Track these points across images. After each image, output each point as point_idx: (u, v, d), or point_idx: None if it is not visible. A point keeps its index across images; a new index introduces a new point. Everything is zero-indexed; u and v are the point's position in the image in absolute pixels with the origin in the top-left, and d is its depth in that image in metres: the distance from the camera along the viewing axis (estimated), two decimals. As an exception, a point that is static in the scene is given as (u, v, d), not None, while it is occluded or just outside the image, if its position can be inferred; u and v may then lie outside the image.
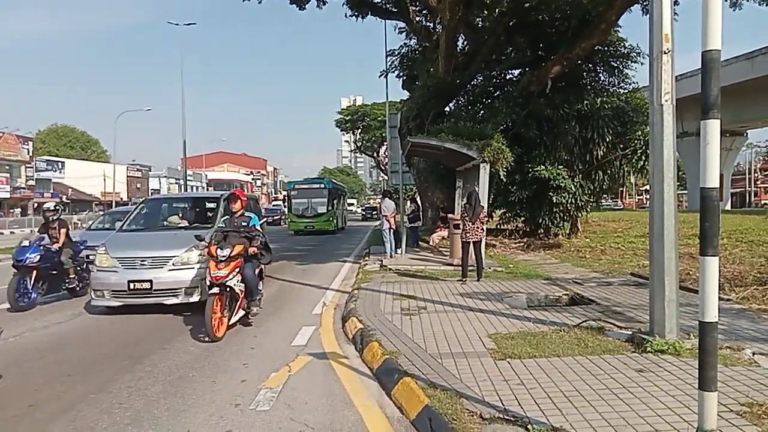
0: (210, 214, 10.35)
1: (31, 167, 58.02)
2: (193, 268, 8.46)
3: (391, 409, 4.50)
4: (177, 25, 38.43)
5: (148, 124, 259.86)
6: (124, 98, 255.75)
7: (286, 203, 36.57)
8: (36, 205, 53.79)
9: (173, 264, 8.44)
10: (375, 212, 60.63)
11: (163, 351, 6.45)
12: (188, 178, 56.38)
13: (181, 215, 10.68)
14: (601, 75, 18.74)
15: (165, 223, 10.39)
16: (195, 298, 8.37)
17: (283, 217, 45.57)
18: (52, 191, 60.44)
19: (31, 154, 58.24)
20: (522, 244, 17.36)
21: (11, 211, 49.35)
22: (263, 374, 5.47)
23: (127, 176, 72.14)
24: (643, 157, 16.15)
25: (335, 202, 32.75)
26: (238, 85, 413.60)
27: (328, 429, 4.14)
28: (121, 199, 64.15)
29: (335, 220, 32.02)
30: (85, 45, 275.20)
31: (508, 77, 20.39)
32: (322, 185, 32.81)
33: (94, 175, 63.18)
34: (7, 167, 53.87)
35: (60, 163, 65.17)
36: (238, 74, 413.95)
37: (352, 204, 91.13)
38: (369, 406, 4.56)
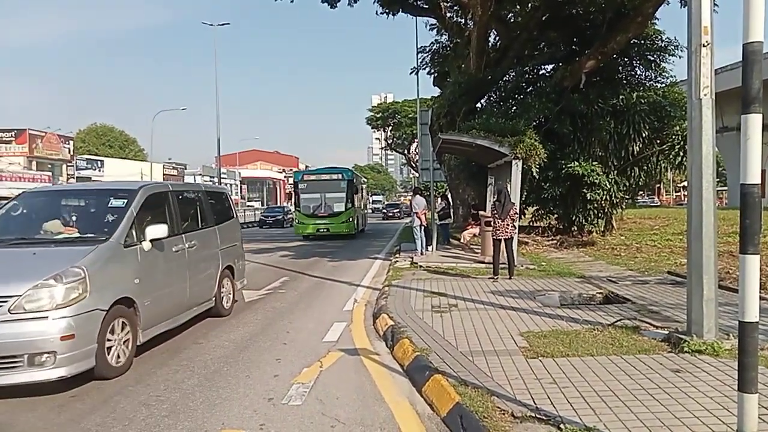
0: (113, 218, 6.23)
1: (72, 166, 59.78)
2: (48, 317, 4.85)
3: (422, 405, 4.51)
4: (211, 25, 39.04)
5: (183, 123, 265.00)
6: (160, 98, 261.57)
7: (292, 199, 29.66)
8: (77, 202, 55.27)
9: (11, 310, 4.82)
10: (397, 210, 56.42)
11: (198, 346, 6.59)
12: (222, 175, 57.35)
13: (68, 219, 6.59)
14: (637, 69, 18.30)
15: (42, 231, 6.35)
16: (57, 371, 4.81)
17: (287, 216, 39.44)
18: (91, 189, 62.18)
19: (72, 153, 60.01)
20: (555, 241, 17.14)
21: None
22: (295, 369, 5.55)
23: (164, 174, 73.60)
24: (681, 153, 15.74)
25: (355, 197, 25.98)
26: (271, 84, 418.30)
27: (359, 424, 4.17)
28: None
29: (355, 221, 25.66)
30: (123, 45, 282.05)
31: (540, 73, 20.12)
32: (340, 176, 25.66)
33: (131, 173, 64.62)
34: (50, 166, 55.64)
35: (99, 162, 66.84)
36: (271, 74, 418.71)
37: (379, 201, 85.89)
38: (400, 403, 4.58)
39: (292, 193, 27.50)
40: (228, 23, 38.96)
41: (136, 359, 5.99)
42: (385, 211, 58.66)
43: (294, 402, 4.64)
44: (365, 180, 38.57)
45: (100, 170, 65.43)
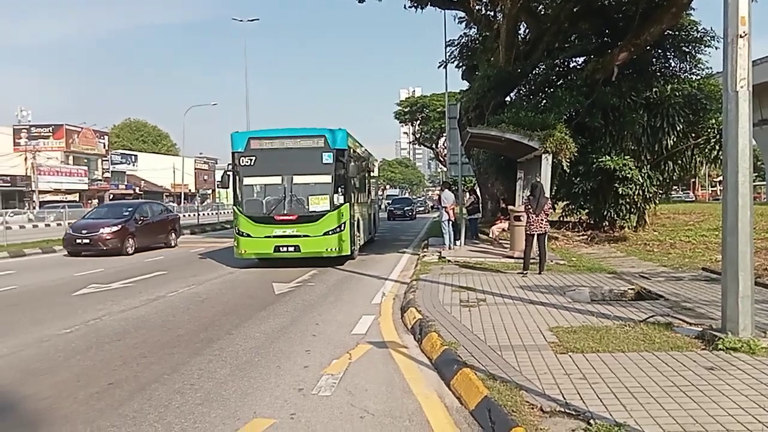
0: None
1: (107, 160, 61.28)
2: None
3: (450, 399, 4.53)
4: (241, 21, 39.38)
5: (214, 118, 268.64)
6: (192, 93, 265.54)
7: (228, 186, 13.77)
8: (111, 196, 56.85)
9: None
10: (410, 207, 41.29)
11: (231, 336, 6.73)
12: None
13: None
14: (671, 61, 17.89)
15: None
16: None
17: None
18: (126, 183, 63.75)
19: (106, 147, 61.49)
20: (585, 236, 16.91)
21: (89, 201, 52.24)
22: (325, 361, 5.62)
23: (195, 168, 75.01)
24: (717, 147, 15.37)
25: (351, 183, 13.74)
26: (299, 79, 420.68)
27: (388, 416, 4.22)
28: (189, 190, 66.77)
29: (350, 229, 13.36)
30: (156, 42, 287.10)
31: (571, 65, 19.79)
32: (320, 141, 13.07)
33: (164, 167, 66.00)
34: (86, 160, 57.13)
35: (133, 156, 68.38)
36: (298, 68, 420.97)
37: (395, 196, 62.18)
38: (428, 395, 4.62)
39: (228, 175, 13.43)
40: (257, 19, 39.09)
41: (170, 349, 6.16)
42: (394, 208, 40.43)
43: (324, 393, 4.71)
44: (372, 156, 20.67)
45: (133, 164, 66.94)
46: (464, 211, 16.70)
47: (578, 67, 19.20)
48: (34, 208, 43.94)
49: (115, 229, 16.90)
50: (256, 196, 13.24)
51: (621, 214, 16.93)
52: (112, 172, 62.01)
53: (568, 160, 12.92)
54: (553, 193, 14.85)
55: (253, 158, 12.94)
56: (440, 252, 13.95)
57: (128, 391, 4.85)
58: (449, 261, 12.50)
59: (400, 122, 67.93)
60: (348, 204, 13.16)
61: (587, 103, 16.07)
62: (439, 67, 25.38)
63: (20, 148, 51.26)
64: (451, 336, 5.90)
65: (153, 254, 16.98)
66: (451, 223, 14.93)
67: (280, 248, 12.67)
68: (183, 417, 4.24)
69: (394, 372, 5.27)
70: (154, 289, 10.21)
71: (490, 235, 16.04)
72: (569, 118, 15.95)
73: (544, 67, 19.71)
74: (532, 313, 6.92)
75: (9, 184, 47.29)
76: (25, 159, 50.21)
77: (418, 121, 62.11)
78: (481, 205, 20.46)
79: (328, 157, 12.82)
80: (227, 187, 13.48)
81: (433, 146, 65.30)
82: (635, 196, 16.30)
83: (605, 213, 17.10)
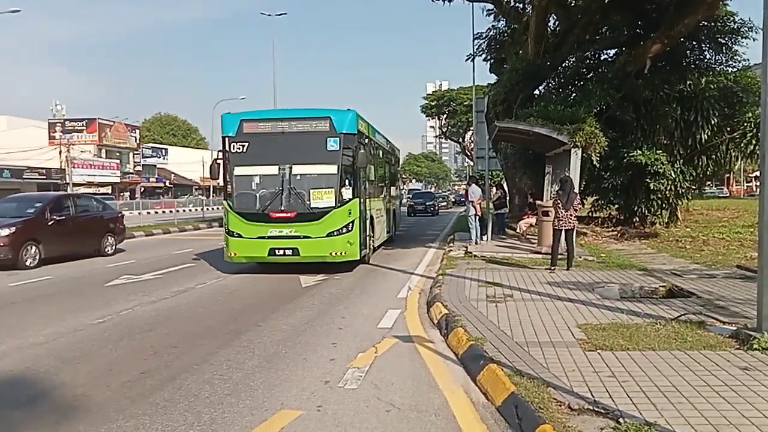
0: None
1: (138, 154, 62.36)
2: None
3: (476, 394, 4.51)
4: (269, 15, 39.72)
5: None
6: (221, 87, 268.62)
7: (219, 178, 11.80)
8: (143, 189, 57.92)
9: None
10: (432, 203, 37.67)
11: (258, 328, 6.81)
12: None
13: None
14: (706, 53, 17.40)
15: None
16: None
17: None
18: (156, 176, 64.90)
19: (138, 141, 62.58)
20: (615, 232, 16.66)
21: (121, 194, 53.37)
22: (351, 354, 5.66)
23: (223, 162, 75.73)
24: (753, 141, 14.95)
25: (362, 175, 12.11)
26: (325, 73, 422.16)
27: (414, 410, 4.22)
28: (218, 183, 67.39)
29: (361, 229, 11.65)
30: (185, 37, 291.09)
31: (602, 58, 19.41)
32: (324, 124, 11.12)
33: (193, 161, 66.96)
34: (118, 154, 58.27)
35: (164, 150, 69.46)
36: (325, 62, 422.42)
37: (417, 190, 58.80)
38: (454, 390, 4.61)
39: (218, 164, 11.72)
40: (285, 13, 39.49)
41: (200, 340, 6.27)
42: (414, 203, 36.97)
43: (350, 386, 4.74)
44: (393, 145, 18.79)
45: (164, 158, 68.04)
46: (491, 205, 16.57)
47: (609, 59, 18.85)
48: (68, 200, 44.98)
49: (5, 232, 11.99)
50: (249, 189, 11.35)
51: (652, 209, 16.63)
52: (143, 165, 63.12)
53: (597, 155, 12.71)
54: (582, 188, 14.64)
55: (246, 144, 11.10)
56: (467, 247, 13.88)
57: (159, 381, 4.95)
58: (476, 256, 12.44)
59: (426, 116, 67.65)
60: (358, 199, 11.30)
61: (618, 97, 15.76)
62: (466, 60, 25.12)
63: (55, 141, 52.50)
64: (478, 331, 5.87)
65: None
66: (477, 217, 14.84)
67: (276, 251, 10.81)
68: (212, 407, 4.31)
69: (420, 366, 5.27)
70: (184, 281, 10.39)
71: (517, 230, 15.90)
72: (599, 111, 15.67)
73: (574, 59, 19.39)
74: (559, 310, 6.84)
75: (44, 177, 48.49)
76: (60, 152, 51.42)
77: (445, 115, 61.73)
78: (508, 199, 20.29)
79: (333, 143, 10.90)
80: (217, 178, 11.68)
81: (460, 140, 64.87)
82: (667, 192, 15.98)
83: (636, 208, 16.84)
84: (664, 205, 16.69)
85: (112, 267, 12.50)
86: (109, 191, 52.02)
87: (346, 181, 11.09)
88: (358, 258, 11.38)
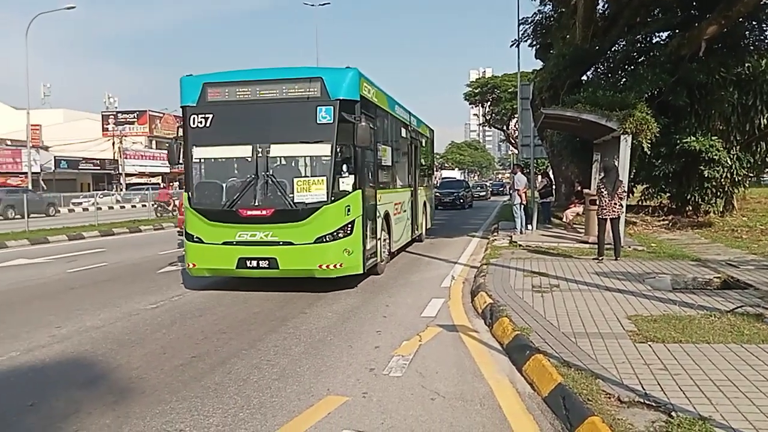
0: None
1: (187, 144, 63.99)
2: None
3: (522, 384, 4.47)
4: (312, 6, 39.88)
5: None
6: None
7: (175, 157, 8.94)
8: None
9: None
10: (464, 192, 31.27)
11: (304, 315, 6.92)
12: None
13: None
14: (767, 33, 16.58)
15: None
16: None
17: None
18: (203, 167, 66.38)
19: (186, 132, 64.19)
20: (666, 222, 16.13)
21: (171, 184, 54.94)
22: (395, 342, 5.69)
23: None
24: (818, 126, 14.18)
25: (363, 159, 8.59)
26: (368, 60, 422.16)
27: (459, 399, 4.22)
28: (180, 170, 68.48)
29: (360, 234, 8.33)
30: (228, 29, 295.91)
31: (654, 41, 18.70)
32: (311, 85, 8.10)
33: (238, 151, 68.13)
34: (167, 144, 60.03)
35: (210, 141, 70.94)
36: (367, 50, 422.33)
37: (451, 179, 46.20)
38: (499, 380, 4.58)
39: (179, 144, 8.83)
40: (328, 3, 39.48)
41: (248, 326, 6.42)
42: (441, 194, 28.78)
43: (395, 373, 4.77)
44: (420, 122, 15.07)
45: (211, 148, 69.42)
46: (536, 194, 16.30)
47: (661, 42, 18.15)
48: (121, 189, 46.69)
49: None
50: (212, 178, 8.81)
51: (706, 198, 16.06)
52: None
53: (648, 141, 12.28)
54: (632, 176, 14.23)
55: (210, 117, 8.36)
56: (511, 236, 13.70)
57: (209, 364, 5.10)
58: (520, 245, 12.27)
59: (470, 104, 66.76)
60: (360, 191, 8.35)
61: (671, 81, 15.19)
62: (511, 46, 24.76)
63: (108, 133, 54.43)
64: (523, 321, 5.81)
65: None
66: (522, 206, 14.62)
67: (247, 262, 8.02)
68: (260, 391, 4.42)
69: (465, 355, 5.26)
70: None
71: (564, 220, 15.59)
72: (651, 96, 15.16)
73: (624, 43, 18.78)
74: (608, 300, 6.69)
75: (98, 168, 50.41)
76: (113, 143, 53.29)
77: (489, 102, 60.81)
78: (554, 188, 19.91)
79: (326, 114, 7.97)
80: (177, 163, 8.95)
81: (504, 128, 63.80)
82: (722, 179, 15.40)
83: (689, 197, 16.29)
84: (719, 194, 16.09)
85: (164, 254, 12.90)
86: (160, 181, 53.63)
87: (344, 167, 8.19)
88: (362, 271, 8.51)
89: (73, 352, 5.58)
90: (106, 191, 43.05)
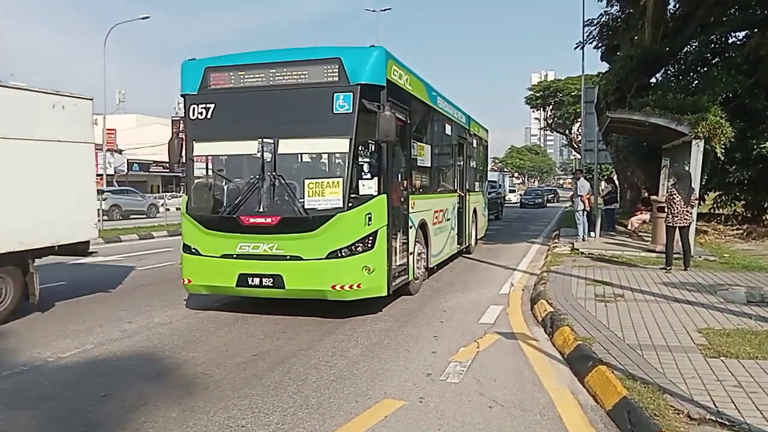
0: None
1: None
2: None
3: (584, 396, 4.34)
4: (374, 11, 40.28)
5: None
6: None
7: (176, 156, 7.65)
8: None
9: None
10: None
11: (362, 318, 6.97)
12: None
13: None
14: None
15: None
16: None
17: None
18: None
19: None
20: (741, 231, 15.30)
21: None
22: (452, 348, 5.64)
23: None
24: None
25: (389, 158, 7.03)
26: (429, 64, 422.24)
27: (518, 408, 4.14)
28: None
29: (384, 248, 6.87)
30: (290, 35, 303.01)
31: (730, 41, 17.80)
32: (327, 67, 6.76)
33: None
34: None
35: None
36: (429, 54, 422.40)
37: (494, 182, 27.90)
38: (560, 390, 4.46)
39: (179, 140, 7.57)
40: (390, 8, 39.63)
41: (306, 327, 6.52)
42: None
43: (452, 379, 4.73)
44: (471, 119, 13.48)
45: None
46: (600, 200, 15.81)
47: (738, 42, 17.27)
48: (188, 192, 48.46)
49: None
50: (211, 180, 7.67)
51: (785, 206, 15.12)
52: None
53: (722, 147, 11.68)
54: (703, 183, 13.59)
55: (211, 107, 7.23)
56: (573, 243, 13.34)
57: (270, 363, 5.22)
58: (582, 253, 11.93)
59: (531, 107, 65.58)
60: (386, 196, 6.93)
61: (748, 83, 14.44)
62: (575, 48, 23.93)
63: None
64: (585, 331, 5.64)
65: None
66: (585, 213, 14.21)
67: (248, 279, 6.83)
68: (319, 392, 4.48)
69: (524, 364, 5.15)
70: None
71: (629, 227, 15.04)
72: (725, 100, 14.44)
73: (696, 44, 17.97)
74: (676, 312, 6.40)
75: (168, 171, 52.60)
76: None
77: (551, 106, 59.49)
78: (619, 194, 19.26)
79: (345, 102, 6.65)
80: (177, 162, 7.80)
81: (566, 132, 62.27)
82: (804, 187, 14.45)
83: (766, 205, 15.40)
84: (799, 202, 15.13)
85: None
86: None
87: (366, 167, 6.86)
88: (385, 294, 7.02)
89: (142, 347, 5.84)
90: (174, 193, 44.84)
